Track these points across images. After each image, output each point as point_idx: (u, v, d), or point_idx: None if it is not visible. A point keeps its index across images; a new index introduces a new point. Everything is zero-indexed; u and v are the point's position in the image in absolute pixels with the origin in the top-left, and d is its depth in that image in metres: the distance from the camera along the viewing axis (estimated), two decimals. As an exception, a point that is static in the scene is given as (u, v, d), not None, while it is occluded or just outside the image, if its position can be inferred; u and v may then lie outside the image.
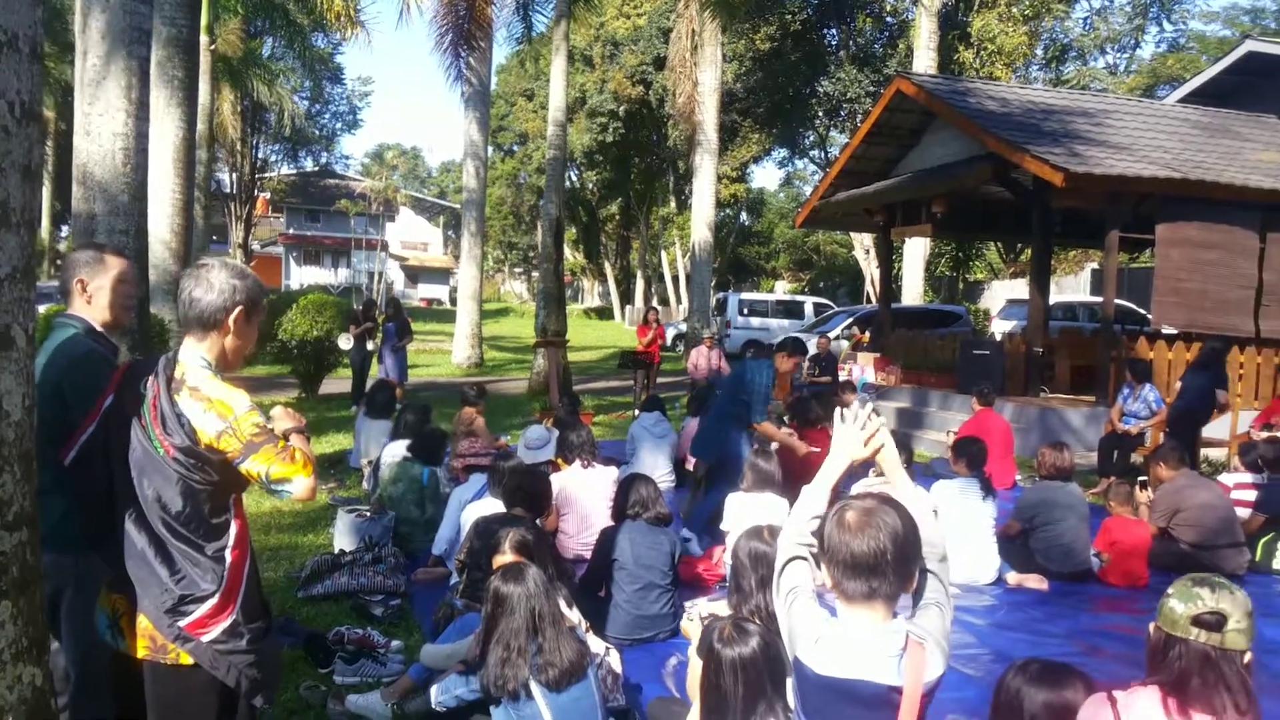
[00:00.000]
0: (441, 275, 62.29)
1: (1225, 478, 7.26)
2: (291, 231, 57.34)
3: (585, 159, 40.82)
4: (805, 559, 2.53)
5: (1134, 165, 11.61)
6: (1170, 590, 2.37)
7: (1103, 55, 33.67)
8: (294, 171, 52.84)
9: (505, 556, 3.99)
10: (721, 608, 4.21)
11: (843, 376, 14.64)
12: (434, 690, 3.79)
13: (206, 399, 2.47)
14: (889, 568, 2.27)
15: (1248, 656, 2.27)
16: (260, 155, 35.49)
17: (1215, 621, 2.25)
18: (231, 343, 2.62)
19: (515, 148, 48.49)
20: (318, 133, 49.12)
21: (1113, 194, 11.60)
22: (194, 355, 2.55)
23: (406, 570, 5.99)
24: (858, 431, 2.66)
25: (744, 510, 6.04)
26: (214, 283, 2.56)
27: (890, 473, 2.72)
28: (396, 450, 7.17)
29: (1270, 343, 12.06)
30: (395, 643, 4.90)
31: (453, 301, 45.92)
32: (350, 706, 4.17)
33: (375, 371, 14.35)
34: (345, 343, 13.82)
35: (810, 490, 2.66)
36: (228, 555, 2.55)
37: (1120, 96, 20.57)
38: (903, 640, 2.29)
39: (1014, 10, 27.08)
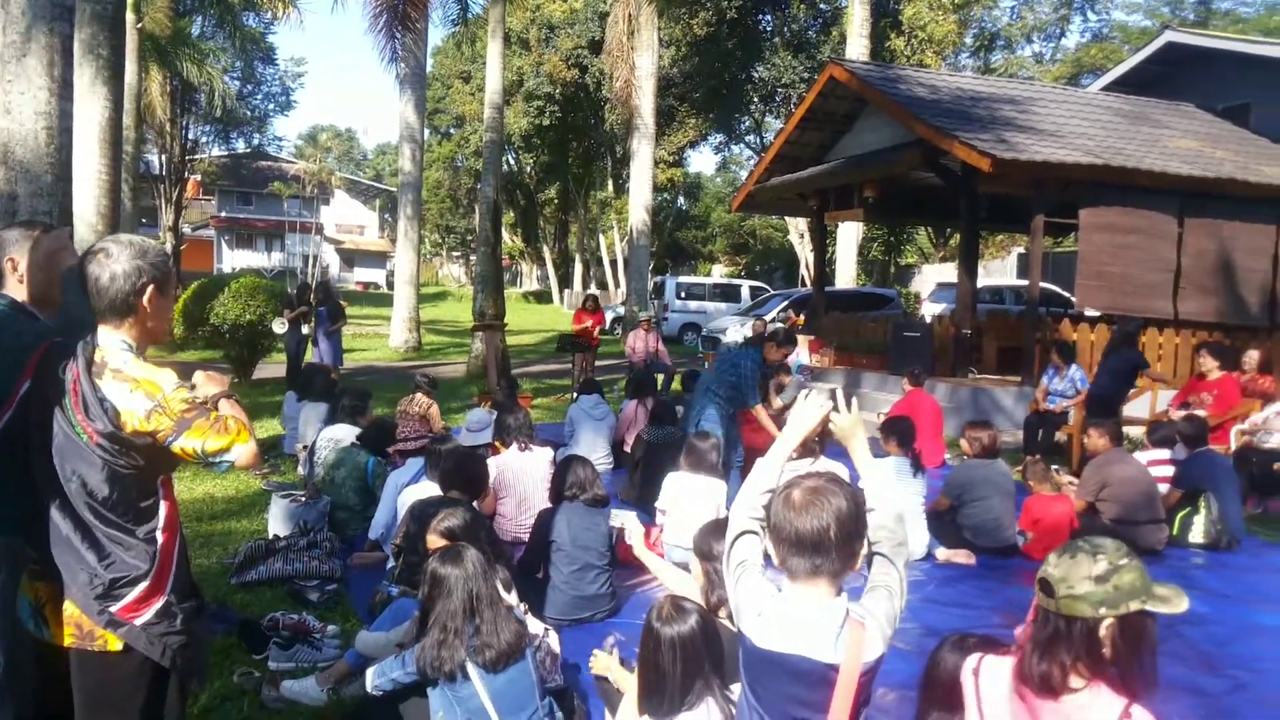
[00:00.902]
0: (378, 259, 61.50)
1: (1140, 455, 7.52)
2: (224, 214, 56.12)
3: (523, 142, 40.59)
4: (756, 533, 2.55)
5: (1058, 152, 11.90)
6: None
7: (1029, 44, 34.42)
8: (226, 153, 51.62)
9: (436, 541, 4.01)
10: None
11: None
12: (370, 673, 3.79)
13: (132, 379, 2.43)
14: (832, 546, 2.31)
15: (1106, 625, 2.22)
16: (190, 136, 34.53)
17: (1046, 585, 2.27)
18: (150, 322, 2.58)
19: (452, 130, 47.98)
20: (250, 114, 48.01)
21: (1038, 180, 11.88)
22: (113, 340, 2.51)
23: (342, 555, 5.96)
24: (817, 410, 2.73)
25: (682, 491, 6.14)
26: (118, 267, 2.49)
27: (856, 457, 2.76)
28: (333, 434, 7.12)
29: (1188, 324, 12.47)
30: (331, 628, 4.89)
31: (390, 285, 45.43)
32: (285, 692, 4.16)
33: (311, 356, 14.17)
34: (279, 327, 13.63)
35: (762, 464, 2.68)
36: (158, 537, 2.52)
37: (1046, 85, 21.01)
38: (842, 618, 2.32)
39: (944, -1, 27.50)
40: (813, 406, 2.75)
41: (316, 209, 49.21)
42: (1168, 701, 4.24)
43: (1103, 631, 2.21)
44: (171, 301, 2.66)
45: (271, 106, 50.04)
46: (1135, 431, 10.88)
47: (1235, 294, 12.57)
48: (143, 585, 2.49)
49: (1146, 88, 17.62)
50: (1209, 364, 9.56)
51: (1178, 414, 9.07)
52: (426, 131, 32.04)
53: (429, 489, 5.39)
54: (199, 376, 2.69)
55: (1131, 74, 18.34)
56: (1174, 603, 2.25)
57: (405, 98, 21.21)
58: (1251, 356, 10.06)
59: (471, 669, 3.27)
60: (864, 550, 2.44)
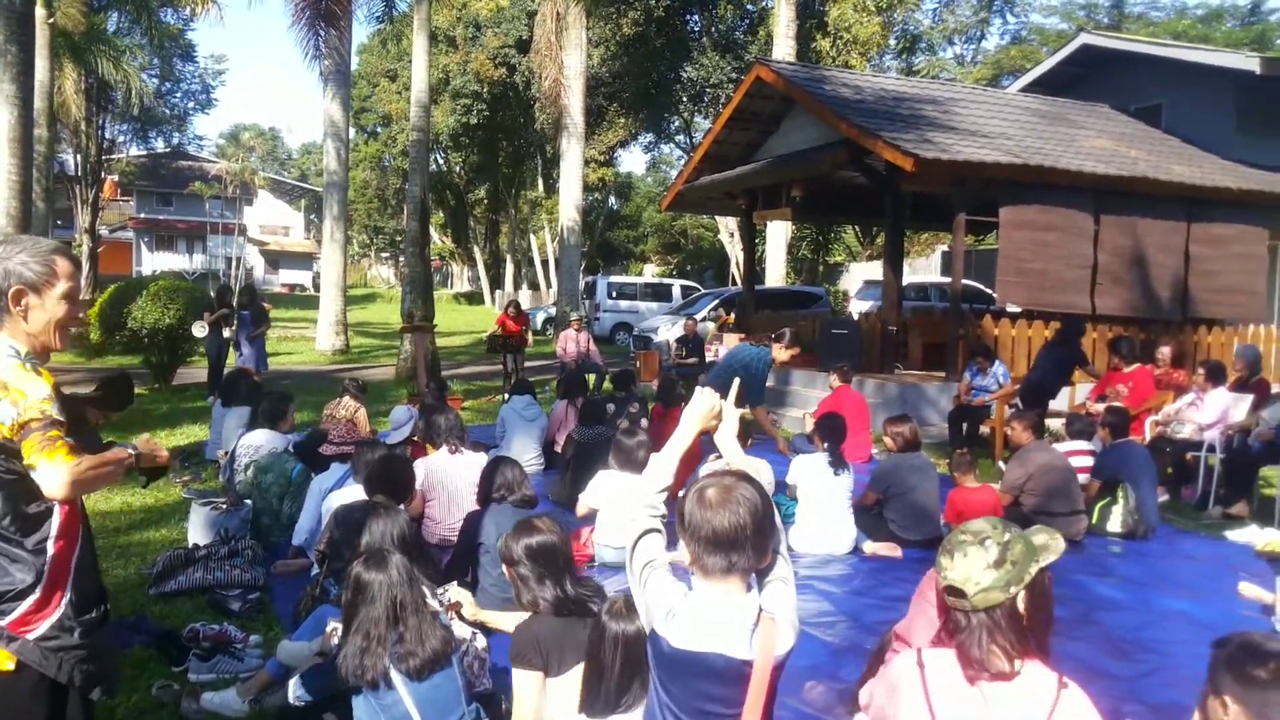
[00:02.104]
0: (304, 260, 60.41)
1: (1059, 447, 7.70)
2: (143, 215, 54.65)
3: (451, 141, 40.23)
4: (659, 531, 2.55)
5: (979, 151, 12.15)
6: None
7: (951, 46, 35.07)
8: (144, 153, 50.29)
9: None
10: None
11: (710, 357, 14.91)
12: (292, 684, 3.72)
13: (3, 385, 2.34)
14: (748, 542, 2.32)
15: (1020, 600, 2.33)
16: (107, 136, 33.54)
17: (956, 591, 2.34)
18: (36, 324, 2.47)
19: (379, 129, 47.33)
20: (169, 112, 46.86)
21: (959, 178, 12.12)
22: (2, 344, 2.41)
23: (265, 563, 5.84)
24: (709, 406, 2.74)
25: (610, 489, 6.14)
26: None
27: (726, 451, 2.80)
28: (253, 440, 6.97)
29: (1105, 319, 12.83)
30: (254, 637, 4.79)
31: (316, 287, 44.65)
32: (205, 704, 4.07)
33: (234, 360, 13.86)
34: (199, 331, 13.28)
35: (658, 461, 2.69)
36: (50, 547, 2.43)
37: (967, 86, 21.45)
38: (755, 615, 2.34)
39: (868, 1, 27.88)
40: (703, 403, 2.76)
41: (239, 210, 48.11)
42: (1082, 686, 4.34)
43: (1021, 606, 2.32)
44: (65, 302, 2.54)
45: (191, 105, 48.97)
46: (1056, 424, 11.17)
47: (1149, 289, 12.97)
48: (31, 599, 2.40)
49: (1063, 89, 18.09)
50: (1119, 359, 9.88)
51: (1096, 406, 9.33)
52: (352, 130, 31.52)
53: (354, 493, 5.31)
54: (143, 439, 2.62)
55: (1049, 75, 18.82)
56: (1055, 546, 2.42)
57: (329, 96, 20.86)
58: (1164, 350, 10.43)
59: (395, 676, 3.21)
60: (775, 545, 2.45)
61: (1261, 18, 32.19)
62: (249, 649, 4.65)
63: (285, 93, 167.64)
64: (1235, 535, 7.37)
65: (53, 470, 2.31)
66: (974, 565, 2.32)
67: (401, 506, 5.03)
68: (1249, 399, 8.79)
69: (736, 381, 3.10)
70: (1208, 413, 8.79)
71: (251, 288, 17.11)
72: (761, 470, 2.69)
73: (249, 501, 6.50)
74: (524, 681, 3.38)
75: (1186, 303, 13.25)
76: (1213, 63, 16.13)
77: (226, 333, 13.50)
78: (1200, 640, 5.12)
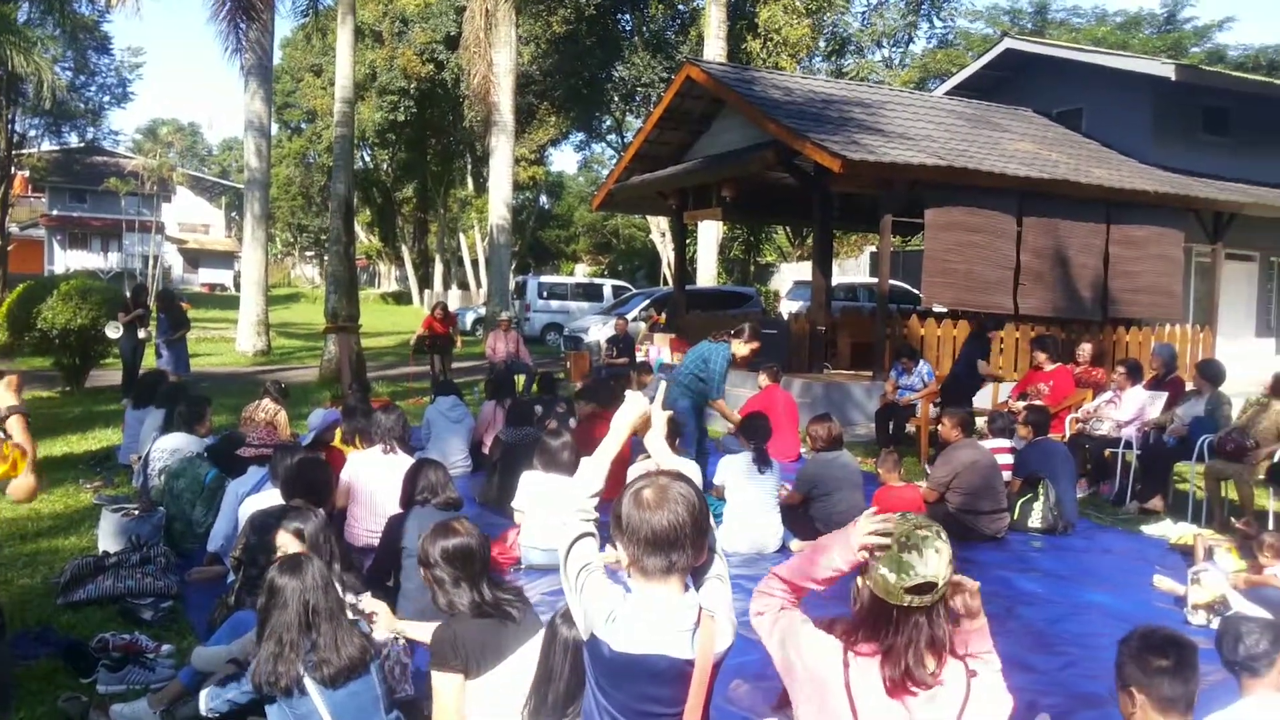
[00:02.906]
0: (225, 259, 59.04)
1: (982, 445, 7.81)
2: (55, 212, 52.82)
3: (377, 138, 39.64)
4: (593, 535, 2.52)
5: (905, 153, 12.31)
6: (877, 556, 2.39)
7: (879, 49, 35.55)
8: (57, 148, 48.58)
9: (288, 545, 3.85)
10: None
11: (640, 357, 14.89)
12: (204, 694, 3.60)
13: None
14: (687, 541, 2.31)
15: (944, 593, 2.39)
16: (18, 130, 32.44)
17: (928, 587, 2.33)
18: None
19: (303, 125, 46.47)
20: (83, 106, 45.35)
21: (886, 180, 12.27)
22: None
23: (179, 570, 5.67)
24: (640, 409, 2.73)
25: (537, 491, 6.06)
26: None
27: (655, 452, 2.79)
28: (168, 444, 6.75)
29: (1028, 319, 13.09)
30: (166, 647, 4.64)
31: (238, 287, 43.70)
32: (115, 716, 3.93)
33: (154, 364, 13.45)
34: (113, 331, 12.85)
35: (589, 464, 2.66)
36: None
37: (895, 89, 21.77)
38: (696, 614, 2.32)
39: (798, 3, 28.14)
40: (635, 407, 2.75)
41: (157, 207, 46.84)
42: (1004, 679, 4.40)
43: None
44: None
45: (107, 99, 47.35)
46: (979, 422, 11.36)
47: (1070, 289, 13.27)
48: None
49: (988, 92, 18.46)
50: (1040, 357, 10.09)
51: (1017, 404, 9.51)
52: (275, 126, 30.97)
53: (271, 498, 5.16)
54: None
55: (974, 79, 19.19)
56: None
57: (251, 91, 20.39)
58: (1084, 349, 10.70)
59: (310, 684, 3.13)
60: (711, 542, 2.43)
61: (1177, 26, 33.22)
62: (161, 659, 4.51)
63: (206, 87, 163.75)
64: (1151, 529, 7.56)
65: (18, 484, 2.22)
66: (943, 560, 2.33)
67: (321, 510, 4.91)
68: (1164, 396, 9.03)
69: (663, 384, 3.10)
70: (1125, 410, 9.01)
71: (169, 291, 16.66)
72: (688, 471, 2.65)
73: (163, 508, 6.29)
74: (443, 683, 3.29)
75: (1106, 303, 13.59)
76: (1130, 68, 16.59)
77: (142, 333, 13.10)
78: (1118, 632, 5.24)
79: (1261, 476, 7.40)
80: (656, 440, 2.78)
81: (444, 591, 3.52)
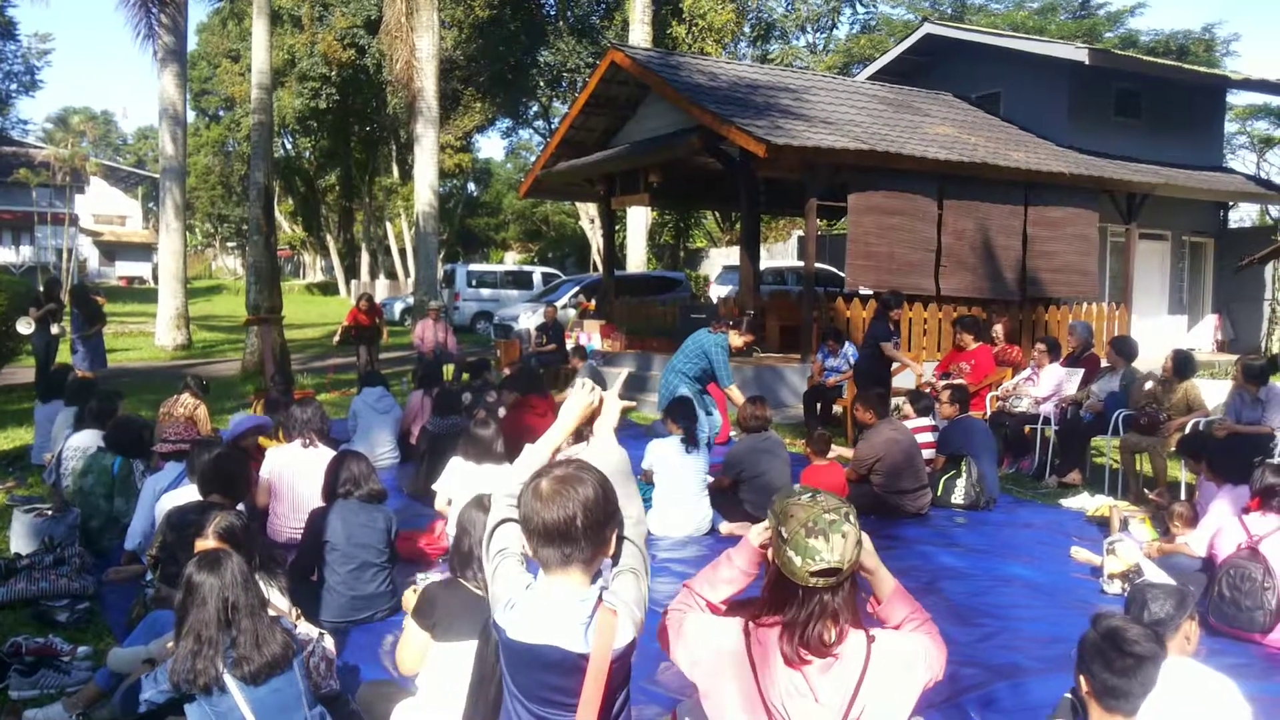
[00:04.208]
0: (143, 251, 57.26)
1: (904, 424, 7.95)
2: (-41, 205, 50.89)
3: (299, 126, 38.83)
4: (517, 520, 2.50)
5: (828, 138, 12.43)
6: (785, 534, 2.38)
7: (804, 34, 35.76)
8: (-39, 138, 46.89)
9: (208, 541, 3.76)
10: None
11: (570, 344, 14.84)
12: (119, 693, 3.52)
13: None
14: (580, 534, 2.30)
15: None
16: (-84, 119, 31.23)
17: (833, 571, 2.34)
18: None
19: (222, 113, 45.33)
20: (-12, 95, 43.81)
21: (810, 164, 12.37)
22: None
23: (96, 570, 5.51)
24: (588, 399, 2.73)
25: (466, 481, 6.01)
26: None
27: (596, 433, 2.77)
28: (80, 442, 6.55)
29: (950, 299, 13.33)
30: (82, 649, 4.52)
31: (156, 279, 42.57)
32: (28, 721, 3.81)
33: (68, 359, 13.04)
34: (25, 327, 12.44)
35: (531, 451, 2.66)
36: None
37: (819, 74, 21.95)
38: (593, 607, 2.31)
39: (722, -12, 28.19)
40: (582, 396, 2.76)
41: (70, 198, 45.18)
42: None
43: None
44: None
45: (14, 87, 45.80)
46: (898, 401, 11.56)
47: (991, 270, 13.55)
48: None
49: (909, 77, 18.71)
50: (965, 338, 10.30)
51: (939, 384, 9.69)
52: (192, 114, 30.16)
53: (191, 493, 5.04)
54: None
55: (895, 64, 19.42)
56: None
57: (165, 77, 19.80)
58: (999, 329, 10.95)
59: (230, 681, 3.07)
60: (615, 536, 2.42)
61: (1091, 11, 33.96)
62: (77, 661, 4.40)
63: (119, 75, 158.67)
64: (1069, 502, 7.78)
65: None
66: (849, 544, 2.34)
67: (240, 506, 4.82)
68: (1081, 373, 9.28)
69: (623, 374, 3.13)
70: (1043, 387, 9.24)
71: (82, 286, 16.15)
72: (617, 459, 2.67)
73: (76, 507, 6.11)
74: (413, 632, 3.59)
75: (1026, 282, 13.91)
76: (1046, 53, 16.95)
77: (55, 329, 12.70)
78: (1036, 603, 5.41)
79: (1173, 449, 7.64)
80: (606, 429, 2.77)
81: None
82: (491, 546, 2.51)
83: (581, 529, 2.29)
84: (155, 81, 20.07)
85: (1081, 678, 2.90)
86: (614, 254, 18.55)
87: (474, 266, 30.36)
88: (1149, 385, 8.33)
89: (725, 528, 6.70)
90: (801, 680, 2.37)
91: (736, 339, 8.44)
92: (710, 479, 6.89)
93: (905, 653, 2.47)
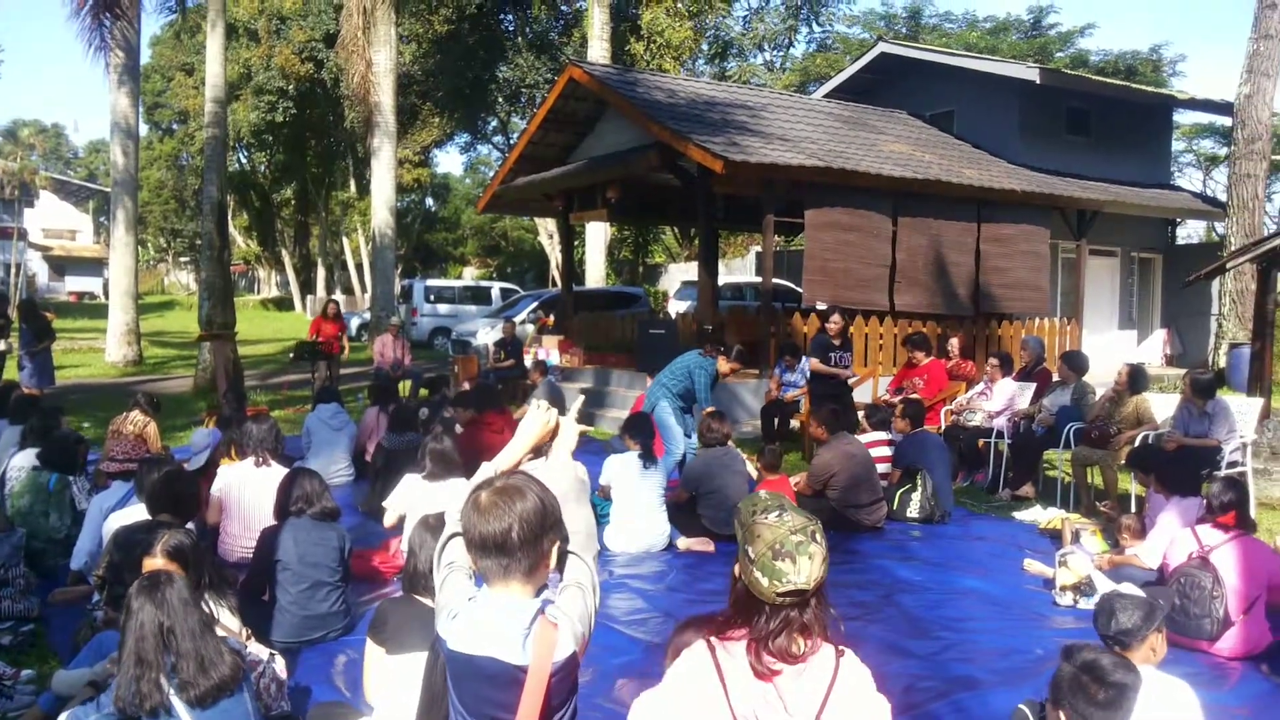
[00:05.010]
0: (94, 266, 56.34)
1: (860, 438, 8.01)
2: (-95, 218, 49.81)
3: (254, 139, 38.46)
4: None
5: (785, 154, 12.53)
6: (752, 555, 2.36)
7: (761, 53, 36.06)
8: (-95, 149, 45.92)
9: (156, 561, 3.70)
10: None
11: (528, 360, 14.78)
12: (63, 718, 3.43)
13: None
14: (516, 546, 2.30)
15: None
16: None
17: (800, 592, 2.33)
18: None
19: (175, 126, 44.78)
20: (-67, 106, 42.95)
21: (767, 181, 12.45)
22: None
23: (40, 592, 5.38)
24: (545, 420, 2.75)
25: (420, 498, 5.95)
26: None
27: (553, 454, 2.78)
28: (22, 460, 6.41)
29: (904, 315, 13.46)
30: (26, 672, 4.40)
31: (107, 295, 41.92)
32: (-32, 747, 3.72)
33: (18, 378, 12.74)
34: (-30, 344, 12.19)
35: (488, 468, 2.67)
36: None
37: (775, 91, 22.13)
38: (531, 619, 2.31)
39: (680, 6, 28.35)
40: (539, 417, 2.78)
41: (19, 212, 44.54)
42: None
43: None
44: None
45: (-39, 98, 44.94)
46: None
47: (944, 286, 13.69)
48: None
49: (864, 95, 18.91)
50: (918, 355, 10.42)
51: (894, 399, 9.77)
52: (146, 127, 29.75)
53: (137, 513, 4.95)
54: None
55: (850, 82, 19.63)
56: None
57: (117, 89, 19.52)
58: (954, 344, 11.07)
59: (178, 704, 3.03)
60: (557, 548, 2.42)
61: (1043, 31, 34.55)
62: (20, 685, 4.27)
63: (71, 88, 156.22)
64: (1022, 515, 7.86)
65: None
66: (816, 563, 2.34)
67: (190, 525, 4.74)
68: (1033, 387, 9.41)
69: (580, 399, 3.17)
70: (996, 401, 9.36)
71: (31, 300, 15.83)
72: (567, 476, 2.68)
73: (21, 527, 5.95)
74: (370, 649, 3.67)
75: (979, 298, 14.08)
76: (999, 72, 17.23)
77: (2, 345, 12.43)
78: (990, 615, 5.46)
79: (1123, 461, 7.76)
80: (563, 453, 2.78)
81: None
82: (442, 560, 2.53)
83: (518, 541, 2.30)
84: (107, 95, 19.72)
85: (1061, 714, 2.90)
86: (573, 269, 18.52)
87: (432, 282, 30.16)
88: (1099, 397, 8.47)
89: (683, 543, 6.69)
90: (772, 691, 2.37)
91: (724, 366, 8.76)
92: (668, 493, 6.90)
93: (865, 673, 2.47)
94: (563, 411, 2.88)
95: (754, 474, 7.37)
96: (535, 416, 2.79)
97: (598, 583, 2.52)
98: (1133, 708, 2.84)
